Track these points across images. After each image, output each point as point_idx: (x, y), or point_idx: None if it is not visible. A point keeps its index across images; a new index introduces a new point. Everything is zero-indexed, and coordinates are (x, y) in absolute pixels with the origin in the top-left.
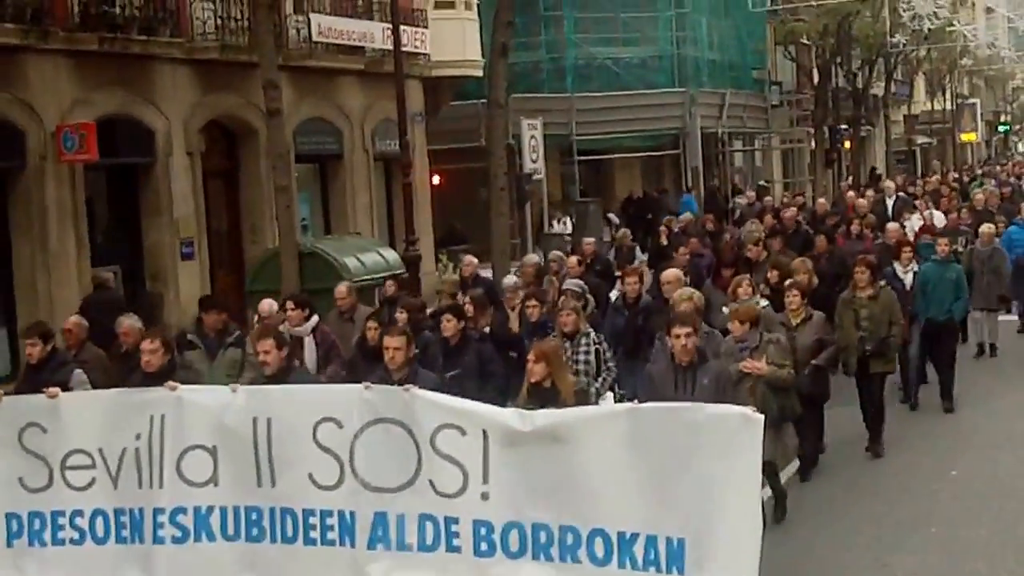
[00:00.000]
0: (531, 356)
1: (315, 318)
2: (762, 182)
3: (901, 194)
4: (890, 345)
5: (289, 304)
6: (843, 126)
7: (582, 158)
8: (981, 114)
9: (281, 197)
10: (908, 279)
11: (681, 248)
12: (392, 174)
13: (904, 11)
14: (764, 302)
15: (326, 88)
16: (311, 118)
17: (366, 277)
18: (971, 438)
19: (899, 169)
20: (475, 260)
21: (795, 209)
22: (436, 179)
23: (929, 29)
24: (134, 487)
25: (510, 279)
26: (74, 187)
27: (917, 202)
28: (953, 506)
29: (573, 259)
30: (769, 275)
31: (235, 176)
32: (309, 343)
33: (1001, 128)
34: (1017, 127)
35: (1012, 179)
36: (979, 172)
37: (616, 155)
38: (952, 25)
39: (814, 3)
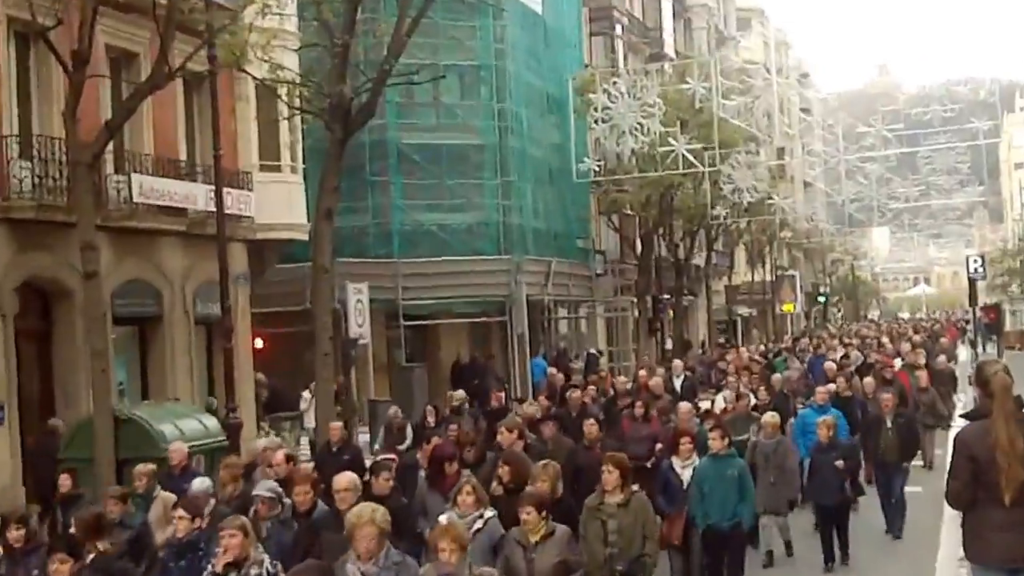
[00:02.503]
0: None
1: None
2: (592, 350)
3: (689, 372)
4: (644, 565)
5: None
6: (666, 295)
7: (408, 323)
8: (801, 285)
9: (97, 361)
10: (687, 475)
11: (435, 438)
12: (214, 338)
13: (724, 184)
14: (490, 512)
15: (147, 249)
16: (130, 280)
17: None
18: None
19: (720, 339)
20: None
21: (579, 391)
22: (260, 343)
23: (749, 202)
24: None
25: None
26: None
27: (729, 378)
28: None
29: (280, 454)
30: (500, 470)
31: (49, 338)
32: None
33: (820, 299)
34: (836, 298)
35: (812, 356)
36: (780, 348)
37: (443, 320)
38: (771, 199)
39: (636, 175)
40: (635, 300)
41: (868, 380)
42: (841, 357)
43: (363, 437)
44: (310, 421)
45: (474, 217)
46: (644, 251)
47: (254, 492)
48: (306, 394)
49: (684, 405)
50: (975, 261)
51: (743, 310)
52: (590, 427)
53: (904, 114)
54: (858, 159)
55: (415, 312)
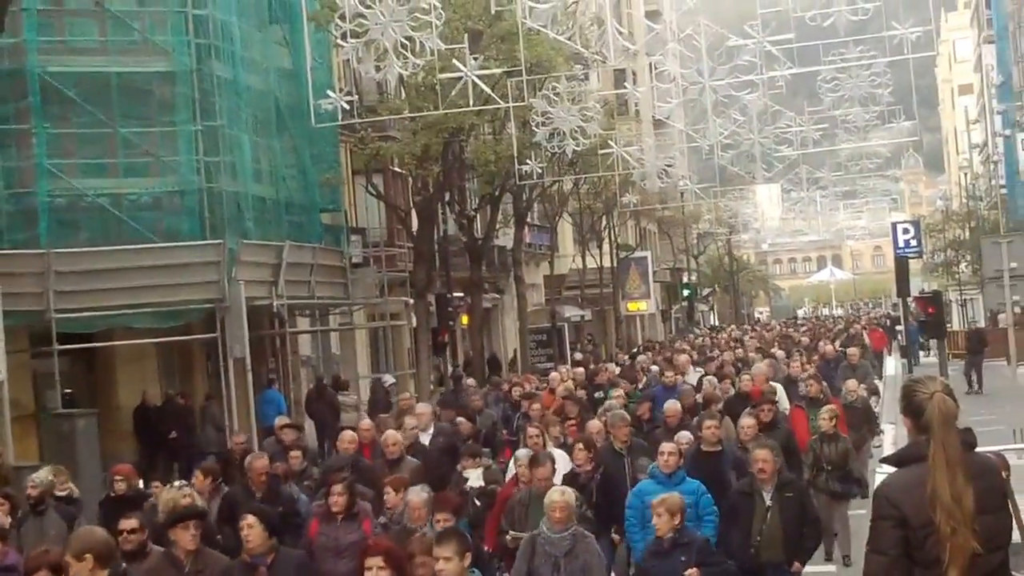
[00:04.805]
0: None
1: None
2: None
3: (445, 424)
4: None
5: None
6: (457, 294)
7: (66, 347)
8: (654, 272)
9: None
10: None
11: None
12: None
13: (538, 126)
14: None
15: None
16: None
17: None
18: None
19: (537, 356)
20: None
21: (265, 460)
22: None
23: (575, 152)
24: None
25: None
26: None
27: (530, 430)
28: None
29: None
30: None
31: None
32: None
33: (684, 292)
34: (707, 291)
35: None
36: (606, 369)
37: (120, 342)
38: (607, 146)
39: (407, 114)
40: (411, 301)
41: (746, 423)
42: (698, 384)
43: None
44: None
45: (163, 183)
46: (423, 228)
47: None
48: None
49: (414, 493)
50: (905, 231)
51: (572, 312)
52: (250, 536)
53: (794, 18)
54: (731, 85)
55: (76, 330)
